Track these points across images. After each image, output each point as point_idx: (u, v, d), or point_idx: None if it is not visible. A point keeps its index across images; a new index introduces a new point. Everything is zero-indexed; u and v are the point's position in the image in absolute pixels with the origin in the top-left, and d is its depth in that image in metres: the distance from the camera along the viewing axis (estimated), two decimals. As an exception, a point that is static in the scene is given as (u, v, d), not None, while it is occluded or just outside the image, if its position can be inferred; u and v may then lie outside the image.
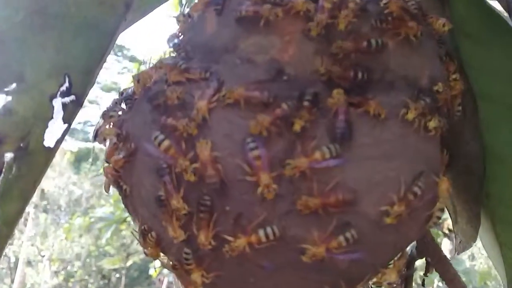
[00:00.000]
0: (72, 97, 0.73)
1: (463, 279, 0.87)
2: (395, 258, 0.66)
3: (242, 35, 0.64)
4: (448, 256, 0.89)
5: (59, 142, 0.74)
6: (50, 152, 0.74)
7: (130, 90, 0.70)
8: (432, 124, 0.62)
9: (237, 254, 0.59)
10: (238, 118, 0.60)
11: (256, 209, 0.59)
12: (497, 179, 0.87)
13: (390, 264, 0.67)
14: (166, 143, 0.61)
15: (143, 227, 0.68)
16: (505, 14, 0.79)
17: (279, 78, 0.62)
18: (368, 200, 0.60)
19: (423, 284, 0.92)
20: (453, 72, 0.71)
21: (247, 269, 0.63)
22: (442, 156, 0.68)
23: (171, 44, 0.68)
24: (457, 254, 0.98)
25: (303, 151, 0.58)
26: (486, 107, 0.82)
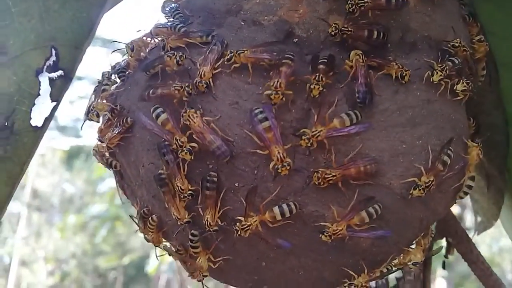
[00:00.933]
0: (60, 72, 0.67)
1: (467, 266, 0.81)
2: (420, 236, 0.60)
3: (247, -6, 0.58)
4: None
5: (47, 120, 0.68)
6: (39, 132, 0.67)
7: (123, 61, 0.64)
8: (460, 87, 0.57)
9: (249, 235, 0.53)
10: (246, 85, 0.54)
11: (269, 185, 0.53)
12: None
13: (413, 243, 0.61)
14: (163, 116, 0.55)
15: (142, 211, 0.62)
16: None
17: (289, 41, 0.56)
18: (393, 172, 0.54)
19: (443, 266, 0.87)
20: (476, 34, 0.65)
21: (259, 251, 0.57)
22: (469, 123, 0.62)
23: (167, 9, 0.61)
24: (477, 235, 0.93)
25: (320, 119, 0.52)
26: (509, 76, 0.77)
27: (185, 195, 0.55)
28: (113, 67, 0.67)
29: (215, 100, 0.53)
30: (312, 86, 0.52)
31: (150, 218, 0.61)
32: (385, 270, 0.59)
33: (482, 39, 0.64)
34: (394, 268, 0.60)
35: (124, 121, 0.58)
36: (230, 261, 0.59)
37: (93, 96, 0.65)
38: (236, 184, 0.53)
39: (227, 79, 0.54)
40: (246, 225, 0.53)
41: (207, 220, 0.54)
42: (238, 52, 0.53)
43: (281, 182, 0.53)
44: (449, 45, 0.59)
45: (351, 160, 0.53)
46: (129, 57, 0.61)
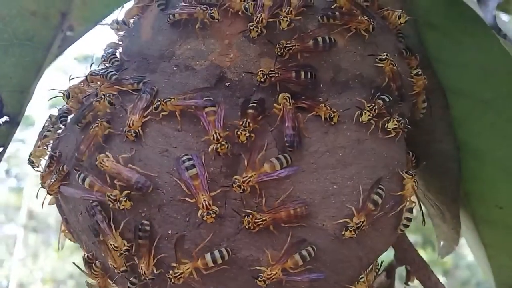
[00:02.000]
0: (5, 118, 0.68)
1: (466, 273, 0.81)
2: (365, 272, 0.60)
3: (178, 40, 0.58)
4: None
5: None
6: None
7: (65, 106, 0.64)
8: (391, 125, 0.57)
9: (184, 282, 0.53)
10: (175, 132, 0.54)
11: (202, 231, 0.53)
12: (474, 177, 0.82)
13: (361, 278, 0.61)
14: (88, 180, 0.55)
15: (87, 256, 0.62)
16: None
17: (221, 85, 0.57)
18: (325, 213, 0.54)
19: (405, 292, 0.86)
20: (415, 67, 0.65)
21: (198, 297, 0.57)
22: (408, 157, 0.63)
23: (105, 54, 0.62)
24: (441, 259, 0.93)
25: (251, 164, 0.52)
26: (458, 103, 0.77)
27: (121, 252, 0.55)
28: (59, 110, 0.67)
29: (144, 148, 0.54)
30: (239, 132, 0.52)
31: (93, 264, 0.61)
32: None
33: (420, 73, 0.65)
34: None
35: (61, 169, 0.58)
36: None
37: (37, 141, 0.65)
38: (169, 232, 0.54)
39: (157, 127, 0.54)
40: (179, 272, 0.53)
41: (141, 269, 0.54)
42: (165, 101, 0.53)
43: (214, 229, 0.53)
44: (377, 59, 0.59)
45: (282, 203, 0.53)
46: (67, 103, 0.62)
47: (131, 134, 0.53)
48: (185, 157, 0.52)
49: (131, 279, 0.57)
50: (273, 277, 0.53)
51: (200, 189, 0.51)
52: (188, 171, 0.51)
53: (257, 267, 0.54)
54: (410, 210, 0.59)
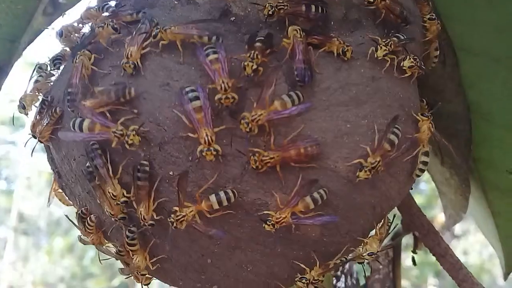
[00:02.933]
0: (-6, 65, 0.64)
1: None
2: (377, 226, 0.57)
3: (180, -27, 0.54)
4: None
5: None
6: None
7: (59, 51, 0.60)
8: (407, 63, 0.54)
9: (187, 227, 0.49)
10: (177, 65, 0.50)
11: (206, 172, 0.49)
12: (485, 141, 0.79)
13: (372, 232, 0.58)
14: (86, 123, 0.50)
15: (81, 211, 0.58)
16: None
17: (226, 19, 0.53)
18: (338, 153, 0.50)
19: (414, 262, 0.83)
20: (428, 13, 0.62)
21: (202, 247, 0.53)
22: (422, 104, 0.59)
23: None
24: (448, 230, 0.89)
25: (260, 102, 0.49)
26: (468, 61, 0.74)
27: (118, 202, 0.51)
28: (50, 58, 0.63)
29: (143, 82, 0.50)
30: (245, 63, 0.48)
31: (88, 219, 0.57)
32: (339, 262, 0.55)
33: (433, 17, 0.61)
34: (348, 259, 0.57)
35: (53, 111, 0.54)
36: (174, 260, 0.55)
37: (27, 86, 0.61)
38: (171, 173, 0.50)
39: (158, 60, 0.51)
40: (181, 215, 0.49)
41: (141, 214, 0.50)
42: (164, 28, 0.49)
43: (218, 169, 0.49)
44: None
45: (291, 141, 0.49)
46: (61, 44, 0.58)
47: (129, 66, 0.49)
48: (188, 88, 0.48)
49: (129, 227, 0.53)
50: (282, 221, 0.49)
51: (203, 123, 0.47)
52: (191, 103, 0.47)
53: (265, 212, 0.50)
54: (426, 154, 0.55)
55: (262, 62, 0.49)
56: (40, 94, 0.58)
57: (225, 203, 0.48)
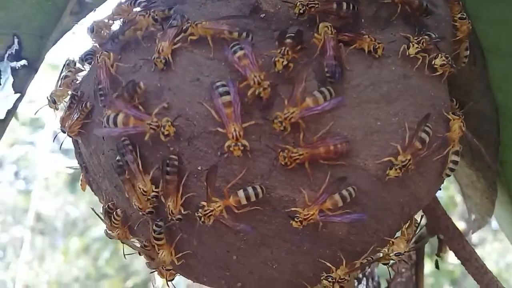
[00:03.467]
0: (23, 61, 0.64)
1: (475, 282, 0.76)
2: (404, 226, 0.56)
3: (211, -30, 0.55)
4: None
5: (10, 113, 0.65)
6: (1, 125, 0.65)
7: (91, 46, 0.61)
8: (438, 61, 0.53)
9: (214, 223, 0.49)
10: (207, 60, 0.50)
11: (235, 167, 0.49)
12: (510, 142, 0.78)
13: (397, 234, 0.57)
14: (120, 117, 0.50)
15: (107, 206, 0.58)
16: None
17: (256, 16, 0.53)
18: (367, 151, 0.50)
19: (436, 266, 0.82)
20: (458, 12, 0.61)
21: (228, 243, 0.53)
22: (452, 104, 0.59)
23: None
24: (472, 233, 0.88)
25: (292, 99, 0.48)
26: (496, 63, 0.73)
27: (149, 197, 0.51)
28: (81, 54, 0.63)
29: (174, 77, 0.50)
30: (276, 59, 0.48)
31: (114, 213, 0.57)
32: (365, 262, 0.54)
33: (464, 17, 0.61)
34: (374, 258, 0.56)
35: (83, 106, 0.54)
36: (199, 256, 0.55)
37: (57, 81, 0.62)
38: (199, 168, 0.50)
39: (188, 55, 0.51)
40: (209, 210, 0.49)
41: (168, 208, 0.50)
42: (195, 23, 0.49)
43: (247, 164, 0.49)
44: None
45: (320, 138, 0.49)
46: (91, 40, 0.58)
47: (160, 61, 0.49)
48: (219, 83, 0.48)
49: (156, 221, 0.53)
50: (310, 217, 0.49)
51: (232, 118, 0.47)
52: (221, 97, 0.47)
53: (293, 209, 0.49)
54: (457, 153, 0.55)
55: (292, 59, 0.49)
56: (70, 89, 0.59)
57: (253, 198, 0.48)
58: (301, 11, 0.51)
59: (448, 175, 0.55)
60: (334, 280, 0.53)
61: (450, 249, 0.76)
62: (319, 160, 0.49)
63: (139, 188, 0.51)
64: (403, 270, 0.81)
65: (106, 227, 0.60)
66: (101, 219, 0.60)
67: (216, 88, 0.47)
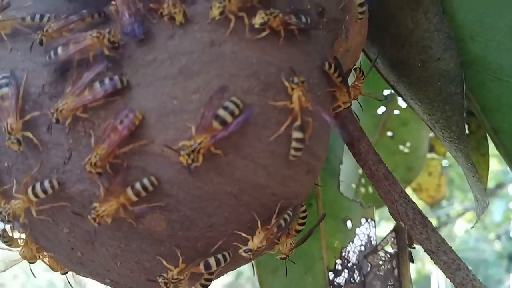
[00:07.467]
0: None
1: None
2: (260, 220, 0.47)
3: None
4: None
5: None
6: None
7: None
8: (257, 19, 0.43)
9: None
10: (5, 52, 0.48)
11: (30, 161, 0.46)
12: (501, 106, 0.62)
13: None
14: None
15: None
16: None
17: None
18: (163, 135, 0.43)
19: (411, 259, 0.69)
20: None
21: (62, 240, 0.50)
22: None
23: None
24: (478, 219, 0.72)
25: (73, 88, 0.44)
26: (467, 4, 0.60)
27: None
28: None
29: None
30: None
31: None
32: (213, 260, 0.47)
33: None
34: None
35: None
36: (56, 253, 0.53)
37: None
38: (6, 164, 0.48)
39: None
40: (15, 206, 0.47)
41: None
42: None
43: (40, 158, 0.46)
44: None
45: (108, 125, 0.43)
46: None
47: None
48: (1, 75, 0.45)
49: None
50: (102, 214, 0.44)
51: (8, 111, 0.44)
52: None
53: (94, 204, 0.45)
54: (300, 128, 0.44)
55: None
56: None
57: (50, 191, 0.45)
58: None
59: (295, 156, 0.45)
60: (167, 280, 0.47)
61: (414, 240, 0.63)
62: (115, 151, 0.43)
63: None
64: (380, 262, 0.69)
65: None
66: None
67: None
